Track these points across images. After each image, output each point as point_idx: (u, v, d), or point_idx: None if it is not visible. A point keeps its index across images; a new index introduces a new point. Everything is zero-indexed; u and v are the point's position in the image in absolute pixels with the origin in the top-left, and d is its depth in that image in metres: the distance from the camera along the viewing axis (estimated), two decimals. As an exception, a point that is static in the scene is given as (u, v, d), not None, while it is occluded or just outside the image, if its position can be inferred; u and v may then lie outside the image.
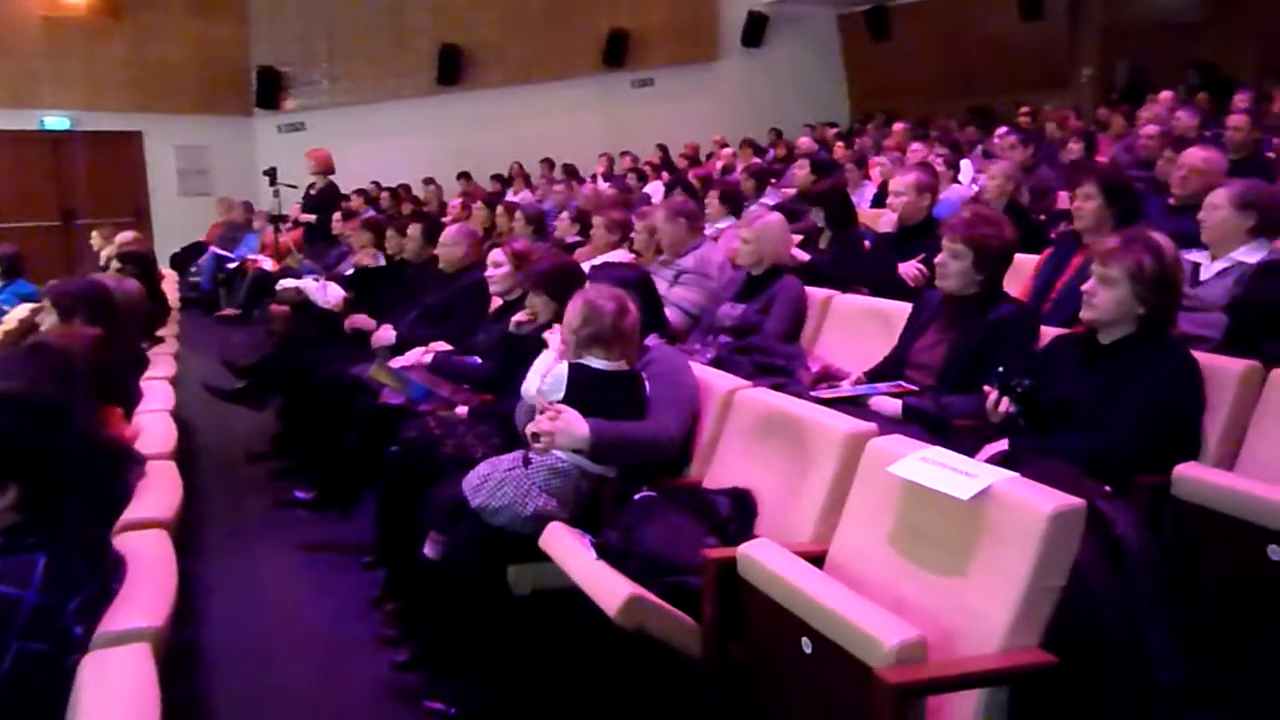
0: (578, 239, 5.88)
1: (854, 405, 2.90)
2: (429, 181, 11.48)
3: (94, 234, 8.72)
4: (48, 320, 3.31)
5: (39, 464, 1.66)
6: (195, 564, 3.47)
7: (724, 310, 3.92)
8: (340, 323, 5.05)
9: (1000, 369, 2.50)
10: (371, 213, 8.78)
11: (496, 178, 11.94)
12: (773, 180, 7.57)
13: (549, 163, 11.56)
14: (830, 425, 2.35)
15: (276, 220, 9.24)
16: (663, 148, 11.84)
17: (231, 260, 9.46)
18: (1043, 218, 5.19)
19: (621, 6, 13.07)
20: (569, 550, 2.38)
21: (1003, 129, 7.79)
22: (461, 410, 3.41)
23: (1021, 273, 3.62)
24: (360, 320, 4.87)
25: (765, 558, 2.01)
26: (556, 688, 2.47)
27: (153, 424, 3.02)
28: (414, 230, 5.40)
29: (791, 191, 7.07)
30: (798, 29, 13.70)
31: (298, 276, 6.69)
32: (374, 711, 2.76)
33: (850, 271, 4.31)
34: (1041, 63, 12.40)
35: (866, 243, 4.75)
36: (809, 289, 3.90)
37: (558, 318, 3.26)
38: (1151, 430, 2.36)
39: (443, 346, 4.09)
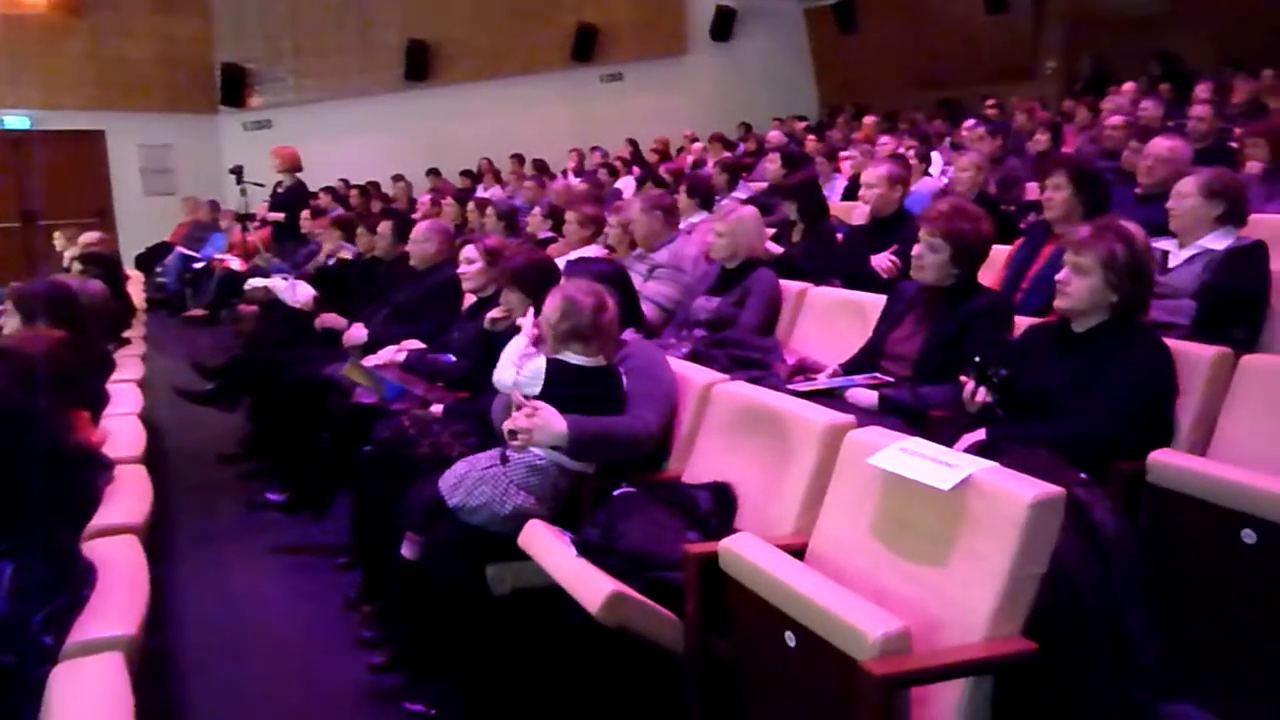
0: (550, 235, 5.86)
1: (831, 397, 2.90)
2: (398, 178, 11.39)
3: (56, 235, 8.56)
4: (10, 323, 3.24)
5: (3, 470, 1.62)
6: (166, 569, 3.42)
7: (699, 304, 3.91)
8: (310, 322, 5.00)
9: (977, 359, 2.51)
10: (340, 210, 8.68)
11: (466, 174, 11.86)
12: (744, 174, 7.58)
13: (519, 158, 11.50)
14: (809, 418, 2.35)
15: (244, 219, 9.12)
16: (633, 142, 11.82)
17: (198, 260, 9.33)
18: (1012, 208, 5.23)
19: (588, 1, 13.02)
20: (549, 548, 2.36)
21: (970, 121, 7.85)
22: (436, 409, 3.38)
23: (993, 263, 3.64)
24: (331, 319, 4.82)
25: (747, 551, 2.01)
26: (538, 687, 2.45)
27: (120, 427, 2.97)
28: (385, 227, 5.35)
29: (763, 185, 7.08)
30: (766, 23, 13.71)
31: (266, 276, 6.60)
32: (352, 715, 2.73)
33: (823, 264, 4.32)
34: (1007, 55, 12.52)
35: (839, 235, 4.77)
36: (783, 282, 3.91)
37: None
38: (1127, 418, 2.38)
39: (415, 344, 4.05)
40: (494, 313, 3.42)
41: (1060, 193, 3.58)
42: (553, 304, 2.66)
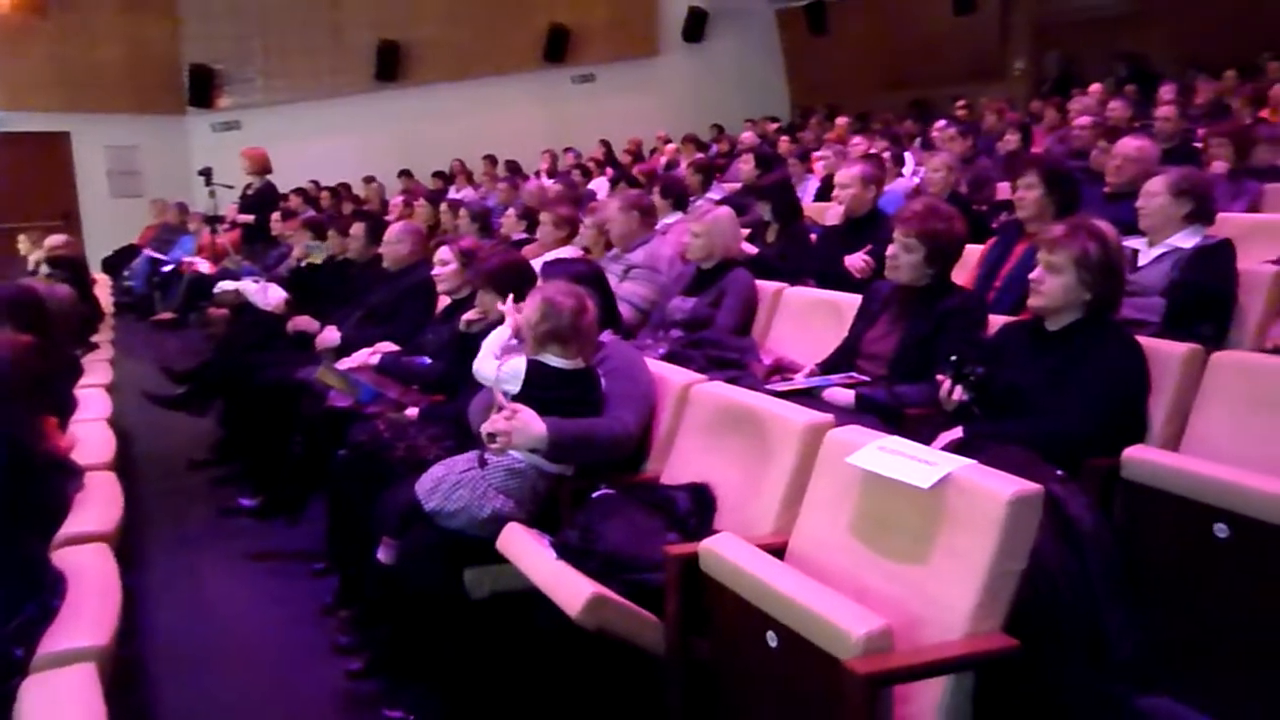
0: (524, 236, 5.84)
1: (808, 397, 2.91)
2: (370, 180, 11.31)
3: (20, 238, 8.43)
4: (-26, 328, 3.18)
5: (-29, 479, 1.59)
6: (138, 577, 3.37)
7: (675, 304, 3.91)
8: (282, 325, 4.95)
9: (953, 357, 2.53)
10: (311, 212, 8.61)
11: (438, 175, 11.80)
12: (717, 175, 7.60)
13: (491, 159, 11.46)
14: (788, 417, 2.35)
15: (213, 221, 9.03)
16: (605, 143, 11.81)
17: (166, 263, 9.21)
18: (983, 208, 5.27)
19: (560, 2, 13.00)
20: (528, 551, 2.35)
21: (941, 122, 7.92)
22: (412, 412, 3.35)
23: (966, 262, 3.67)
24: (303, 322, 4.77)
25: (728, 552, 2.00)
26: (518, 691, 2.44)
27: (89, 433, 2.94)
28: (357, 229, 5.31)
29: (736, 186, 7.10)
30: (738, 24, 13.75)
31: (236, 279, 6.53)
32: (330, 722, 2.70)
33: (798, 264, 4.33)
34: (975, 56, 12.66)
35: (813, 236, 4.79)
36: (759, 282, 3.91)
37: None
38: (1101, 415, 2.41)
39: (389, 347, 4.02)
40: (469, 314, 3.41)
41: (1032, 192, 3.61)
42: (532, 305, 2.64)
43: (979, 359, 2.53)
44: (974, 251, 3.79)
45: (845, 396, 2.91)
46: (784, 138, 9.94)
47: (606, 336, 2.91)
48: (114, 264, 9.91)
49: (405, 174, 11.74)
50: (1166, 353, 2.56)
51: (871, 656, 1.63)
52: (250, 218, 8.37)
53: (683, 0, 13.45)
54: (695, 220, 3.99)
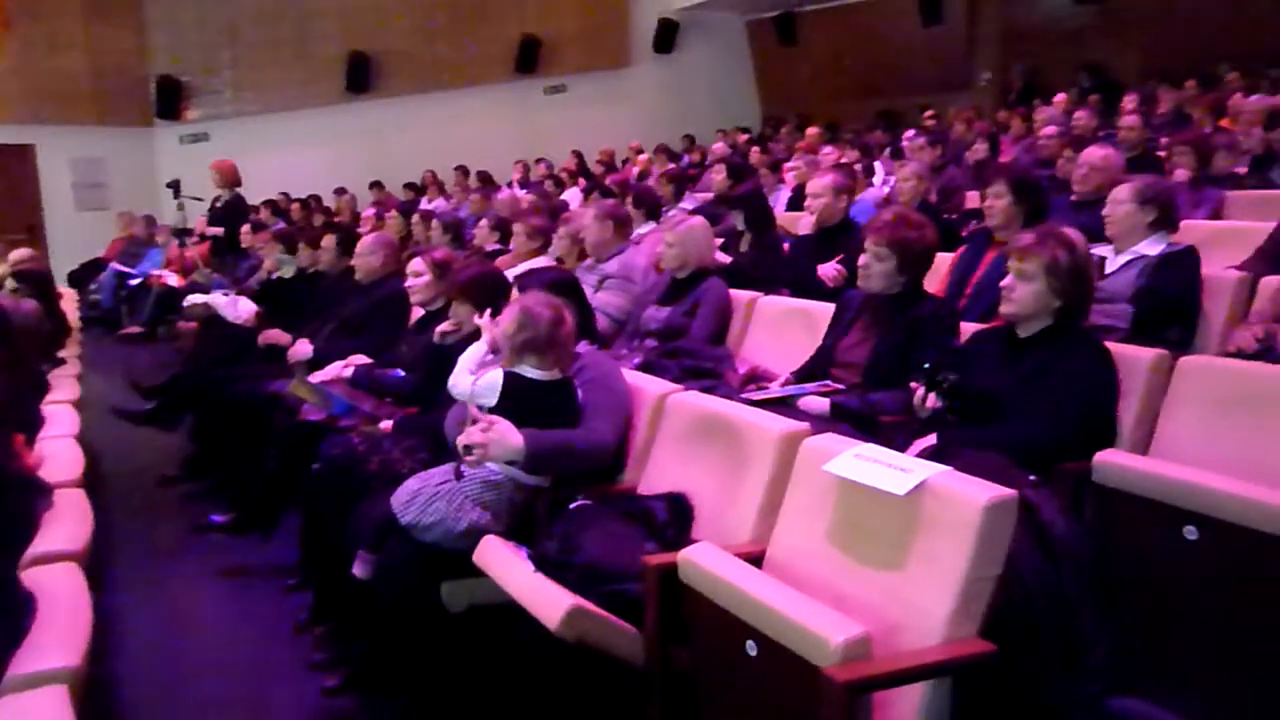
0: (498, 246, 5.82)
1: (783, 405, 2.92)
2: (341, 191, 11.24)
3: (-17, 253, 8.29)
4: (-62, 345, 3.12)
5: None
6: (109, 597, 3.32)
7: (649, 314, 3.92)
8: (253, 339, 4.90)
9: (926, 365, 2.55)
10: (281, 225, 8.55)
11: (410, 186, 11.76)
12: (690, 185, 7.63)
13: (463, 170, 11.44)
14: (764, 426, 2.36)
15: (181, 234, 8.95)
16: (578, 154, 11.83)
17: (134, 276, 9.12)
18: (953, 216, 5.34)
19: (531, 13, 13.03)
20: (505, 564, 2.34)
21: (910, 131, 8.00)
22: (386, 425, 3.33)
23: (937, 270, 3.71)
24: (274, 335, 4.73)
25: (706, 561, 2.01)
26: (497, 705, 2.42)
27: (57, 450, 2.90)
28: (329, 241, 5.28)
29: (708, 196, 7.13)
30: (708, 35, 13.84)
31: (205, 292, 6.46)
32: (306, 739, 2.68)
33: (771, 273, 4.36)
34: (943, 67, 12.82)
35: (785, 245, 4.82)
36: (733, 291, 3.93)
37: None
38: (1072, 420, 2.44)
39: (362, 360, 3.99)
40: (444, 326, 3.39)
41: (1001, 201, 3.66)
42: (510, 315, 2.64)
43: (951, 366, 2.56)
44: (945, 259, 3.83)
45: (820, 405, 2.93)
46: (754, 148, 10.00)
47: (583, 347, 2.91)
48: (80, 278, 9.81)
49: (376, 185, 11.69)
50: (1134, 358, 2.60)
51: (850, 664, 1.63)
52: (220, 230, 8.30)
53: (653, 11, 13.52)
54: (669, 230, 4.00)
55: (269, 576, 3.61)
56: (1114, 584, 2.28)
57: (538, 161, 11.46)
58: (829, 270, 4.10)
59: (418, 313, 4.10)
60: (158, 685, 2.95)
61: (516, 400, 2.59)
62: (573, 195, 9.03)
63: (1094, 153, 4.37)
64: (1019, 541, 1.92)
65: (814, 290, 4.01)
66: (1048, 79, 11.71)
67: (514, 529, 2.58)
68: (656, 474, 2.66)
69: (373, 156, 12.03)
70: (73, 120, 11.44)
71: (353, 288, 4.71)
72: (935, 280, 3.71)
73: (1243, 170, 5.69)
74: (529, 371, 2.64)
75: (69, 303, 6.90)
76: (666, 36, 13.62)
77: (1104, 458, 2.34)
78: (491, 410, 2.58)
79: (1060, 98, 9.48)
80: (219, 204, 8.48)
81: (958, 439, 2.43)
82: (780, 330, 3.64)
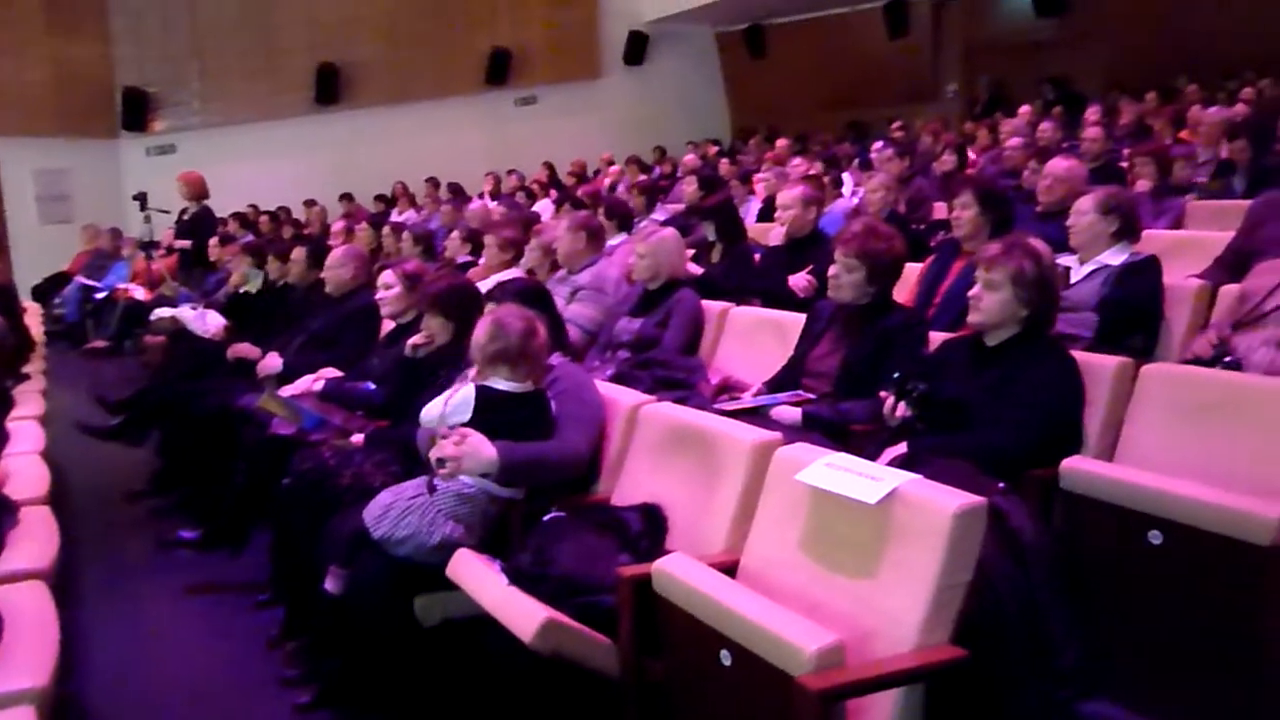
0: (469, 258, 5.82)
1: (756, 416, 2.94)
2: (310, 203, 11.17)
3: (-56, 267, 8.17)
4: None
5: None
6: (76, 614, 3.26)
7: (622, 325, 3.93)
8: (221, 352, 4.85)
9: (896, 374, 2.58)
10: (250, 237, 8.49)
11: (380, 198, 11.71)
12: (661, 196, 7.66)
13: (434, 182, 11.41)
14: (737, 436, 2.38)
15: (148, 247, 8.84)
16: (549, 165, 11.84)
17: (99, 290, 9.01)
18: (921, 227, 5.40)
19: (502, 25, 13.04)
20: (478, 577, 2.33)
21: (879, 143, 8.08)
22: (357, 438, 3.31)
23: (906, 280, 3.75)
24: (243, 349, 4.68)
25: (680, 572, 2.02)
26: (473, 719, 2.41)
27: (22, 467, 2.86)
28: (298, 254, 5.24)
29: (680, 207, 7.16)
30: (678, 47, 13.92)
31: (173, 305, 6.40)
32: (278, 757, 2.65)
33: (742, 284, 4.39)
34: (909, 79, 12.99)
35: (756, 256, 4.85)
36: (705, 302, 3.95)
37: (454, 338, 3.22)
38: (1039, 427, 2.47)
39: (333, 373, 3.97)
40: (415, 339, 3.38)
41: (968, 211, 3.71)
42: (482, 326, 2.64)
43: (921, 375, 2.59)
44: (913, 270, 3.88)
45: (792, 414, 2.95)
46: (724, 160, 10.07)
47: (556, 359, 2.92)
48: (44, 291, 9.68)
49: (346, 197, 11.63)
50: (1099, 366, 2.65)
51: (824, 672, 1.65)
52: (187, 243, 8.22)
53: (623, 24, 13.59)
54: (641, 241, 4.01)
55: (239, 592, 3.57)
56: (1082, 589, 2.31)
57: (509, 173, 11.45)
58: (800, 281, 4.13)
59: (389, 325, 4.08)
60: (127, 704, 2.91)
61: (489, 413, 2.59)
62: (544, 207, 9.03)
63: (1058, 164, 4.44)
64: (989, 548, 1.95)
65: (785, 301, 4.04)
66: (1012, 91, 11.91)
67: (487, 542, 2.58)
68: (630, 485, 2.66)
69: (342, 168, 11.97)
70: (37, 132, 11.29)
71: (322, 300, 4.69)
72: (904, 290, 3.75)
73: (1203, 179, 5.81)
74: (501, 384, 2.64)
75: (33, 317, 6.82)
76: (637, 49, 13.69)
77: (1070, 465, 2.38)
78: (465, 425, 2.57)
79: (1025, 109, 9.63)
80: (186, 216, 8.40)
81: (927, 447, 2.45)
82: (752, 341, 3.67)
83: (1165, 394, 2.54)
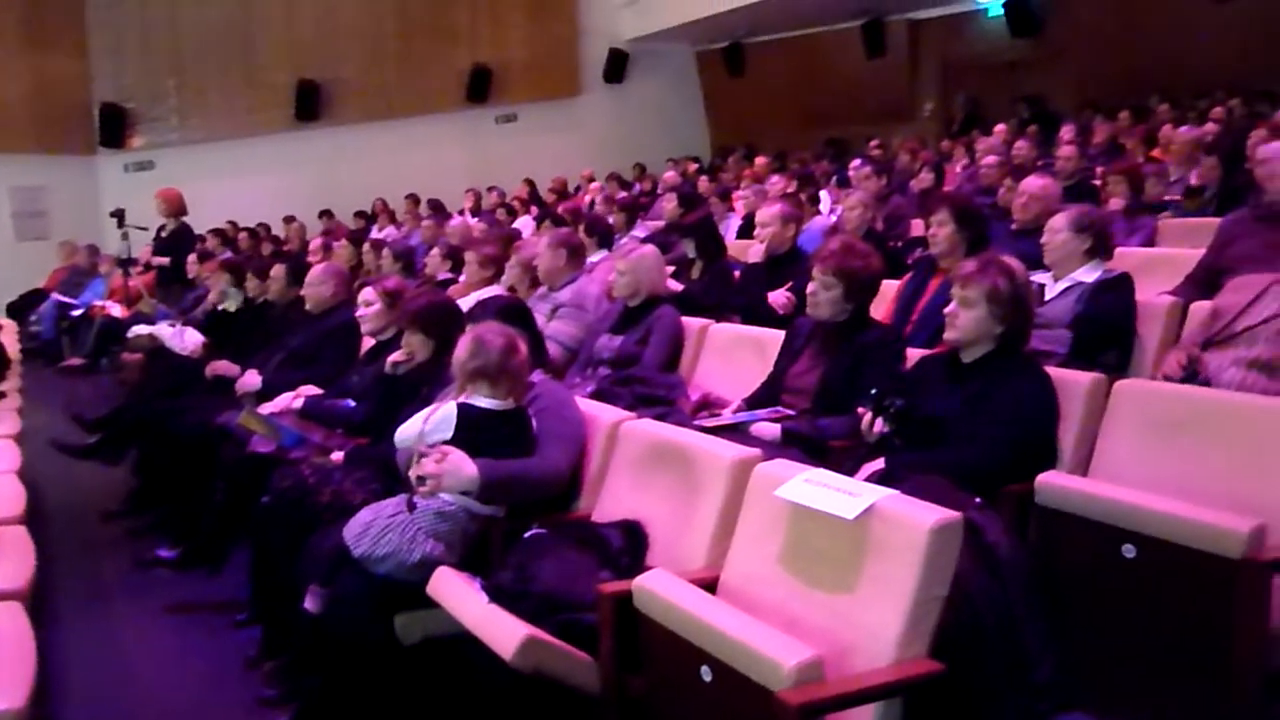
0: (449, 275, 5.82)
1: (735, 432, 2.96)
2: (290, 220, 11.13)
3: (-82, 284, 8.09)
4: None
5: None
6: (52, 635, 3.23)
7: (602, 342, 3.94)
8: (200, 370, 4.83)
9: (873, 391, 2.61)
10: (229, 254, 8.45)
11: (360, 215, 11.69)
12: (641, 213, 7.70)
13: (414, 198, 11.41)
14: (716, 453, 2.40)
15: (125, 264, 8.78)
16: (530, 182, 11.88)
17: (76, 307, 8.92)
18: (898, 244, 5.45)
19: (482, 43, 13.10)
20: (459, 595, 2.33)
21: (857, 161, 8.16)
22: (337, 456, 3.30)
23: (883, 297, 3.79)
24: (222, 366, 4.66)
25: (661, 589, 2.03)
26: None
27: (-3, 487, 2.82)
28: (278, 271, 5.23)
29: (660, 224, 7.20)
30: (658, 65, 14.02)
31: (150, 322, 6.36)
32: (256, 778, 2.63)
33: (722, 300, 4.42)
34: (887, 97, 13.14)
35: (736, 272, 4.88)
36: (684, 318, 3.97)
37: (434, 356, 3.23)
38: (1014, 443, 2.50)
39: (312, 390, 3.96)
40: (395, 355, 3.38)
41: (944, 229, 3.76)
42: (463, 343, 2.65)
43: (898, 391, 2.62)
44: (891, 287, 3.92)
45: (771, 431, 2.97)
46: (704, 177, 10.13)
47: (537, 376, 2.93)
48: (20, 309, 9.59)
49: (326, 214, 11.60)
50: (1073, 382, 2.68)
51: (803, 687, 1.66)
52: (165, 260, 8.18)
53: (603, 41, 13.68)
54: (621, 258, 4.04)
55: (218, 612, 3.55)
56: (1058, 602, 2.33)
57: (490, 190, 11.47)
58: (779, 298, 4.16)
59: (369, 342, 4.08)
60: (102, 725, 2.88)
61: (469, 431, 2.59)
62: (525, 223, 9.04)
63: (1033, 182, 4.50)
64: (965, 562, 1.97)
65: (765, 317, 4.07)
66: (988, 110, 12.07)
67: (468, 559, 2.58)
68: (611, 502, 2.67)
69: (322, 185, 11.96)
70: (13, 148, 11.21)
71: (301, 318, 4.67)
72: (882, 307, 3.79)
73: (1175, 197, 5.90)
74: (481, 401, 2.64)
75: (9, 334, 6.76)
76: (617, 67, 13.78)
77: (1045, 479, 2.40)
78: (446, 443, 2.57)
79: (1000, 128, 9.76)
80: (164, 233, 8.35)
81: (905, 463, 2.48)
82: (731, 357, 3.69)
83: (1138, 410, 2.57)
